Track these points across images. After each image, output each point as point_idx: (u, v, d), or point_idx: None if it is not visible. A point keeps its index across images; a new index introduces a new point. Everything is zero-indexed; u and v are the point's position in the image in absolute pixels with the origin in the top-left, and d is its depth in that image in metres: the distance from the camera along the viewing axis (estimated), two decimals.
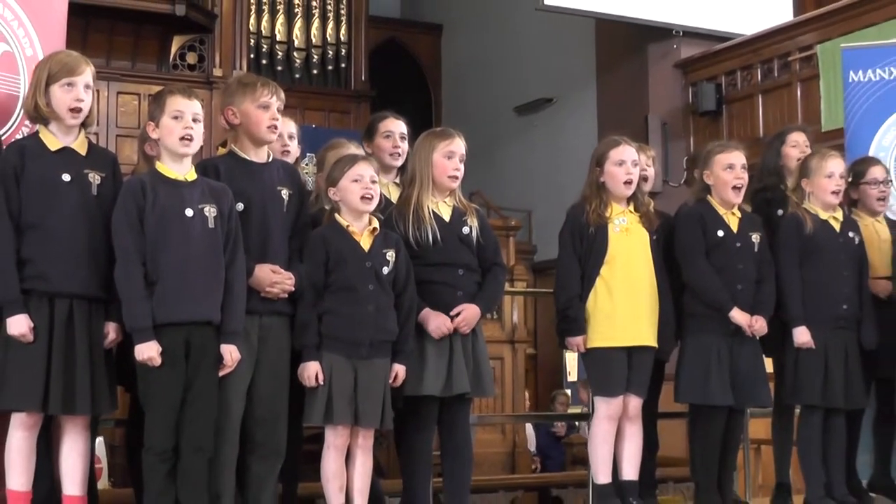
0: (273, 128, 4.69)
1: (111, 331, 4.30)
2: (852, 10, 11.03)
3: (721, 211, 5.56)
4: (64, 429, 4.25)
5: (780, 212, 5.86)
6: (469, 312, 4.88)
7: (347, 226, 4.69)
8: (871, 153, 6.62)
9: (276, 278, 4.54)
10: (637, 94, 12.66)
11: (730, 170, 5.56)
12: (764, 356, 5.77)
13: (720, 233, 5.52)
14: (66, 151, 4.28)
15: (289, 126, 5.21)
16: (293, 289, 4.58)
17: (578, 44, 13.67)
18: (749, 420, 6.26)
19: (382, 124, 5.42)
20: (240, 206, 4.50)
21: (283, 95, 4.75)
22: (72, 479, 4.24)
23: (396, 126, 5.40)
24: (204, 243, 4.30)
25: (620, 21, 12.38)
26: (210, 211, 4.33)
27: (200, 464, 4.27)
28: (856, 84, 6.89)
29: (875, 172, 6.07)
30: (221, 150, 5.05)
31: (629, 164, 5.34)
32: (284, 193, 4.69)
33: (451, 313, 4.83)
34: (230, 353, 4.33)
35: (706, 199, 5.60)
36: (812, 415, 5.65)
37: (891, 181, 6.22)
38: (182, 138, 4.32)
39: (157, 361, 4.15)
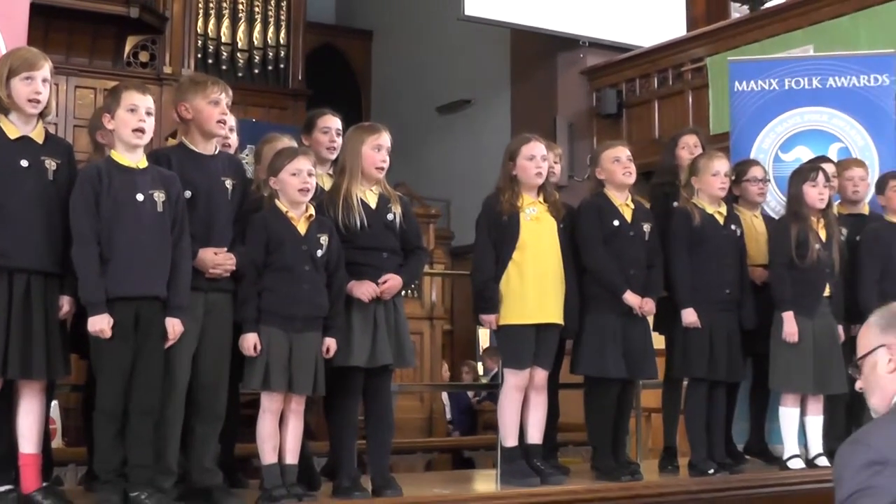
0: (222, 122, 4.68)
1: (65, 303, 4.26)
2: (738, 28, 11.18)
3: (616, 203, 5.61)
4: (21, 393, 4.20)
5: (675, 204, 5.93)
6: (393, 281, 4.87)
7: (286, 211, 4.68)
8: (752, 155, 6.71)
9: (218, 260, 4.53)
10: (547, 97, 12.71)
11: (617, 162, 5.61)
12: (657, 333, 5.85)
13: (616, 222, 5.56)
14: (24, 140, 4.23)
15: (230, 120, 5.18)
16: (234, 268, 4.58)
17: (495, 51, 13.69)
18: (640, 391, 6.33)
19: (321, 120, 5.40)
20: (188, 194, 4.49)
21: (230, 93, 4.74)
22: (28, 439, 4.19)
23: (333, 122, 5.39)
24: (153, 226, 4.28)
25: (533, 31, 12.43)
26: (159, 196, 4.31)
27: (147, 425, 4.24)
28: (740, 93, 6.97)
29: (755, 172, 6.17)
30: (172, 142, 5.03)
31: (539, 158, 5.36)
32: (228, 183, 4.67)
33: (379, 281, 4.83)
34: (173, 327, 4.32)
35: (603, 193, 5.65)
36: (698, 387, 5.73)
37: (768, 180, 6.31)
38: (136, 130, 4.30)
39: (108, 333, 4.14)
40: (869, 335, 3.01)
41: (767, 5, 11.32)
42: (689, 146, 6.26)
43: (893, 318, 2.99)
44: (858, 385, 3.05)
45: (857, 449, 2.77)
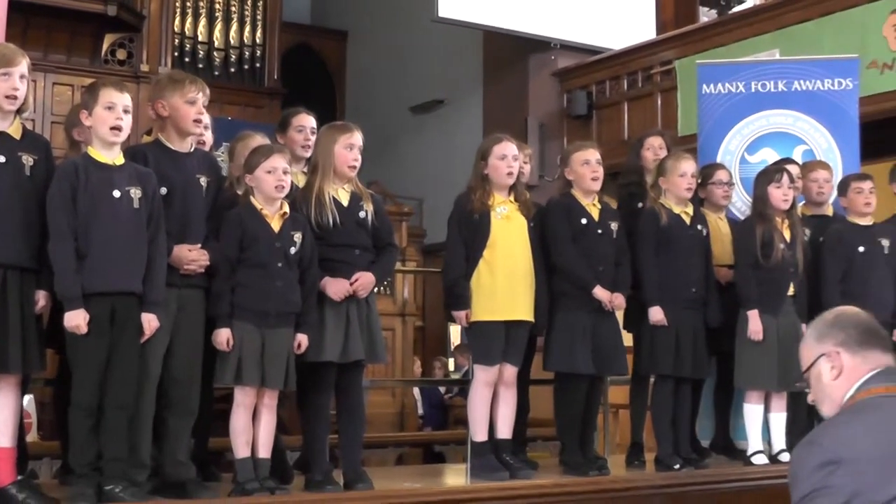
0: (198, 121, 4.67)
1: (41, 298, 4.22)
2: (706, 32, 11.21)
3: (584, 202, 5.62)
4: None
5: (640, 204, 5.95)
6: (366, 278, 4.86)
7: (261, 209, 4.66)
8: (719, 157, 6.74)
9: (192, 256, 4.52)
10: (518, 98, 12.72)
11: (586, 165, 5.62)
12: (625, 331, 5.86)
13: (584, 221, 5.57)
14: (1, 136, 4.19)
15: (205, 118, 5.17)
16: (208, 264, 4.57)
17: (468, 52, 13.70)
18: (608, 387, 6.34)
19: (296, 119, 5.38)
20: (163, 191, 4.47)
21: (208, 92, 4.73)
22: (2, 433, 4.15)
23: (308, 121, 5.37)
24: (129, 222, 4.25)
25: (505, 33, 12.43)
26: (136, 193, 4.28)
27: (122, 419, 4.22)
28: (708, 96, 7.00)
29: (720, 175, 6.20)
30: (147, 138, 5.00)
31: (510, 158, 5.37)
32: (203, 181, 4.66)
33: (351, 280, 4.82)
34: (149, 322, 4.29)
35: (570, 193, 5.66)
36: (664, 383, 5.75)
37: (733, 184, 6.33)
38: (113, 128, 4.27)
39: (84, 329, 4.11)
40: (807, 348, 3.04)
41: (735, 10, 11.38)
42: (653, 148, 6.29)
43: (825, 326, 3.02)
44: (810, 398, 3.07)
45: (811, 450, 2.79)
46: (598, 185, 5.64)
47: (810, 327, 3.10)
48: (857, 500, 2.67)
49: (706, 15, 12.23)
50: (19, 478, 4.22)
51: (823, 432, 2.86)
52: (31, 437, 7.23)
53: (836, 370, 2.95)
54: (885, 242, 6.02)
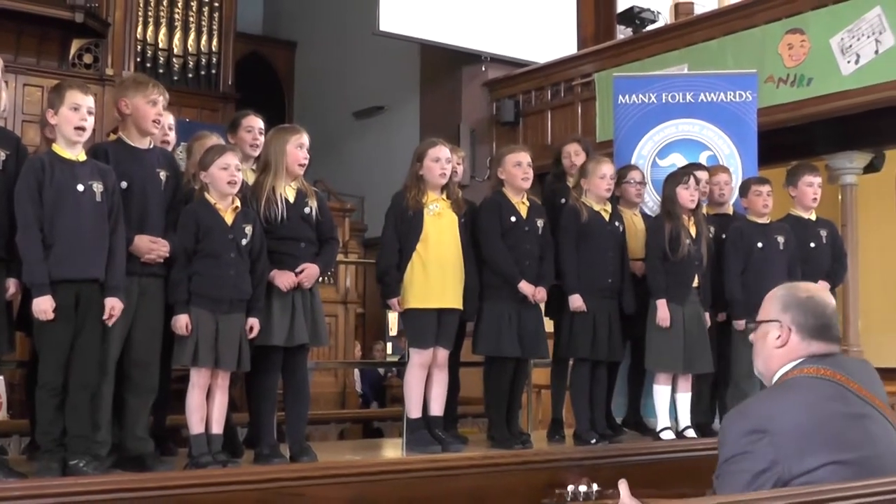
0: (157, 121, 4.64)
1: (11, 285, 4.17)
2: (622, 48, 11.28)
3: (514, 200, 5.63)
4: None
5: (563, 200, 5.97)
6: (310, 270, 4.87)
7: (215, 203, 4.63)
8: (633, 160, 6.79)
9: (152, 247, 4.49)
10: (452, 105, 12.71)
11: (518, 166, 5.63)
12: (547, 318, 5.88)
13: (513, 218, 5.59)
14: None
15: (169, 118, 5.14)
16: (168, 254, 4.53)
17: (406, 64, 13.67)
18: (532, 369, 6.37)
19: (245, 120, 5.35)
20: (124, 185, 4.43)
21: (167, 96, 4.70)
22: None
23: (256, 122, 5.34)
24: (92, 214, 4.21)
25: (440, 46, 12.42)
26: (98, 187, 4.24)
27: (85, 398, 4.18)
28: (624, 105, 7.03)
29: (634, 175, 6.25)
30: (113, 136, 4.95)
31: (443, 160, 5.36)
32: (162, 175, 4.63)
33: (296, 270, 4.81)
34: (112, 305, 4.25)
35: (502, 191, 5.67)
36: (582, 366, 5.78)
37: (645, 183, 6.38)
38: (77, 128, 4.22)
39: (50, 315, 4.06)
40: (771, 305, 3.02)
41: (648, 29, 11.46)
42: (570, 154, 6.33)
43: (794, 301, 2.99)
44: (751, 337, 3.08)
45: (741, 418, 2.83)
46: (527, 185, 5.66)
47: (784, 288, 3.05)
48: (775, 468, 2.71)
49: (622, 33, 12.29)
50: None
51: (754, 404, 2.90)
52: (1, 415, 7.12)
53: (781, 342, 2.95)
54: (780, 239, 6.10)
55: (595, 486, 4.06)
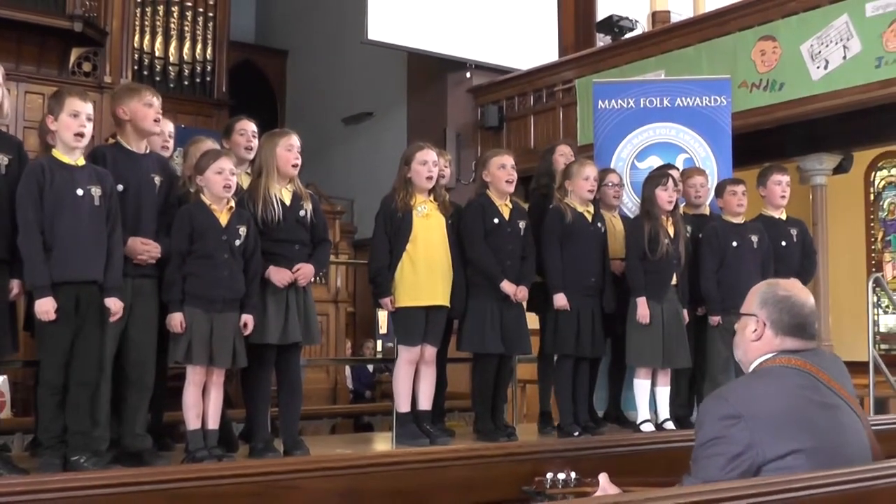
0: (157, 120, 4.64)
1: (15, 286, 4.14)
2: (602, 55, 11.31)
3: (498, 202, 5.63)
4: None
5: (552, 204, 5.97)
6: (306, 269, 4.88)
7: (210, 205, 4.62)
8: (612, 162, 6.79)
9: (144, 248, 4.49)
10: (438, 111, 12.72)
11: (502, 168, 5.63)
12: (532, 314, 5.88)
13: (496, 220, 5.58)
14: None
15: (168, 126, 5.15)
16: (159, 256, 4.53)
17: (393, 71, 13.67)
18: (516, 365, 6.36)
19: (238, 125, 5.33)
20: (120, 188, 4.42)
21: (160, 99, 4.70)
22: None
23: (249, 126, 5.31)
24: (91, 217, 4.19)
25: (426, 54, 12.43)
26: (96, 191, 4.22)
27: (85, 396, 4.16)
28: (603, 110, 7.04)
29: (611, 178, 6.25)
30: (112, 141, 4.94)
31: (430, 164, 5.36)
32: (157, 180, 4.62)
33: (293, 269, 4.82)
34: (114, 304, 4.25)
35: (486, 194, 5.67)
36: (566, 362, 5.77)
37: (623, 185, 6.39)
38: (77, 134, 4.20)
39: (52, 316, 4.04)
40: (752, 300, 3.06)
41: (627, 37, 11.48)
42: (565, 154, 6.34)
43: (773, 298, 3.02)
44: (736, 326, 3.13)
45: (718, 403, 2.85)
46: (511, 188, 5.65)
47: (765, 284, 3.09)
48: (749, 452, 2.73)
49: (602, 40, 12.31)
50: None
51: (731, 390, 2.93)
52: (5, 414, 7.09)
53: (757, 336, 3.01)
54: (754, 238, 6.11)
55: (573, 475, 4.06)
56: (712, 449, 2.77)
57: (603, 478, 2.95)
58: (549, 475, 4.11)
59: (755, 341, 3.02)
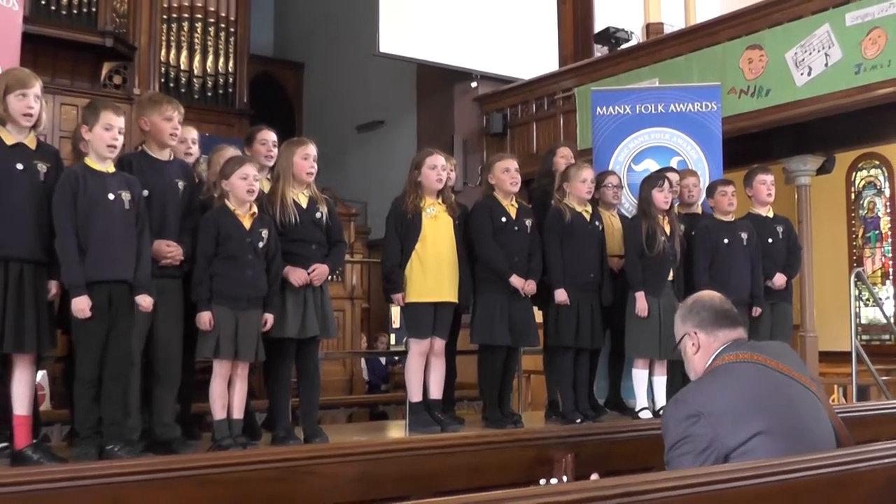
0: (174, 135, 4.63)
1: (52, 287, 4.14)
2: (599, 65, 11.29)
3: (504, 203, 5.63)
4: (14, 364, 4.07)
5: (553, 202, 5.96)
6: (321, 269, 4.88)
7: (234, 209, 4.63)
8: (610, 166, 6.79)
9: (168, 251, 4.49)
10: (445, 119, 12.72)
11: (506, 172, 5.63)
12: (536, 308, 5.87)
13: (503, 219, 5.58)
14: (19, 146, 4.09)
15: (192, 133, 5.11)
16: (182, 258, 4.53)
17: (404, 81, 13.67)
18: (522, 356, 6.36)
19: (259, 134, 5.33)
20: (145, 193, 4.41)
21: (182, 110, 4.68)
22: (20, 403, 4.07)
23: (270, 136, 5.32)
24: (121, 221, 4.20)
25: (435, 65, 12.43)
26: (125, 196, 4.23)
27: (118, 389, 4.16)
28: (601, 116, 7.04)
29: (611, 180, 6.23)
30: (139, 149, 4.94)
31: (439, 168, 5.37)
32: (180, 185, 4.62)
33: (309, 270, 4.82)
34: (144, 300, 4.25)
35: (493, 195, 5.67)
36: (567, 353, 5.77)
37: (622, 186, 6.38)
38: (109, 146, 4.21)
39: (88, 314, 4.05)
40: (677, 327, 3.19)
41: (622, 47, 11.47)
42: (565, 156, 6.34)
43: (685, 310, 3.16)
44: (681, 353, 3.21)
45: (678, 406, 2.89)
46: (516, 189, 5.65)
47: (679, 308, 3.23)
48: (714, 445, 2.75)
49: (599, 51, 12.30)
50: (34, 441, 4.15)
51: (687, 392, 2.97)
52: (45, 406, 7.09)
53: (696, 346, 3.11)
54: (744, 235, 6.10)
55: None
56: (680, 449, 2.80)
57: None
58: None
59: (697, 353, 3.10)
